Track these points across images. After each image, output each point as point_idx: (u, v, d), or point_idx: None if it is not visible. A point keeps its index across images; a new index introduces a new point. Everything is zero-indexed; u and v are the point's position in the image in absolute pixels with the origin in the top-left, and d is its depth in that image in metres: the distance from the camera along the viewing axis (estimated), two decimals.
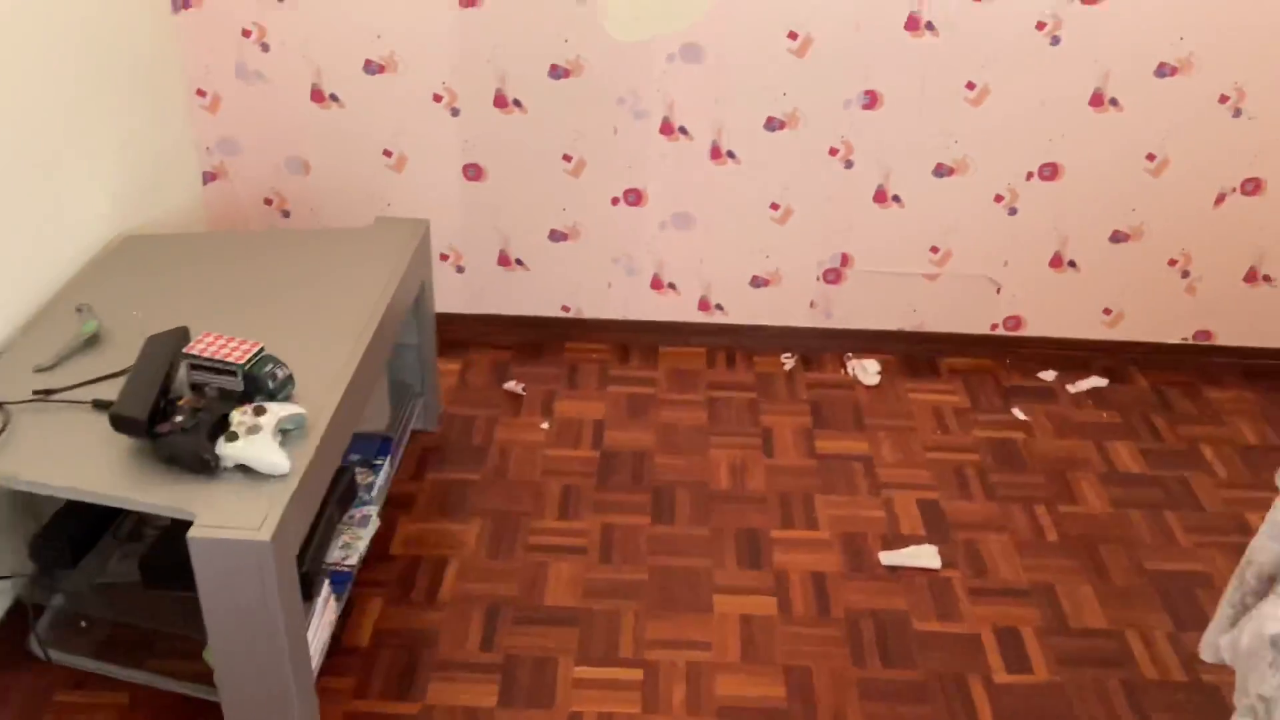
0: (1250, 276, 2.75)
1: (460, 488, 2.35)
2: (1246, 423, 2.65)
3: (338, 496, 1.92)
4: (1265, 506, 2.34)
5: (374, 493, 2.13)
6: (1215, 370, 2.83)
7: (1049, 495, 2.38)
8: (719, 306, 2.85)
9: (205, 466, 1.52)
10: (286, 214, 2.75)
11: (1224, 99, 2.52)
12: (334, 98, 2.59)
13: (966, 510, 2.33)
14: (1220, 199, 2.65)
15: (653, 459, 2.45)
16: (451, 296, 2.84)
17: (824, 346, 2.87)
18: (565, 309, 2.87)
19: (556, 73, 2.54)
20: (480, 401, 2.64)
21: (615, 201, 2.71)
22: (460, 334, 2.85)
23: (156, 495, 1.52)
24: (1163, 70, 2.49)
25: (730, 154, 2.63)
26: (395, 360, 2.39)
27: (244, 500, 1.51)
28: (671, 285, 2.82)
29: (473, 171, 2.67)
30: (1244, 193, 2.64)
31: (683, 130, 2.61)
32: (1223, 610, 1.75)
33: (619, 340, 2.89)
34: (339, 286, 2.07)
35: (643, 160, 2.65)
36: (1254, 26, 2.43)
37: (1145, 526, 2.30)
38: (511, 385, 2.70)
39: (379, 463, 2.19)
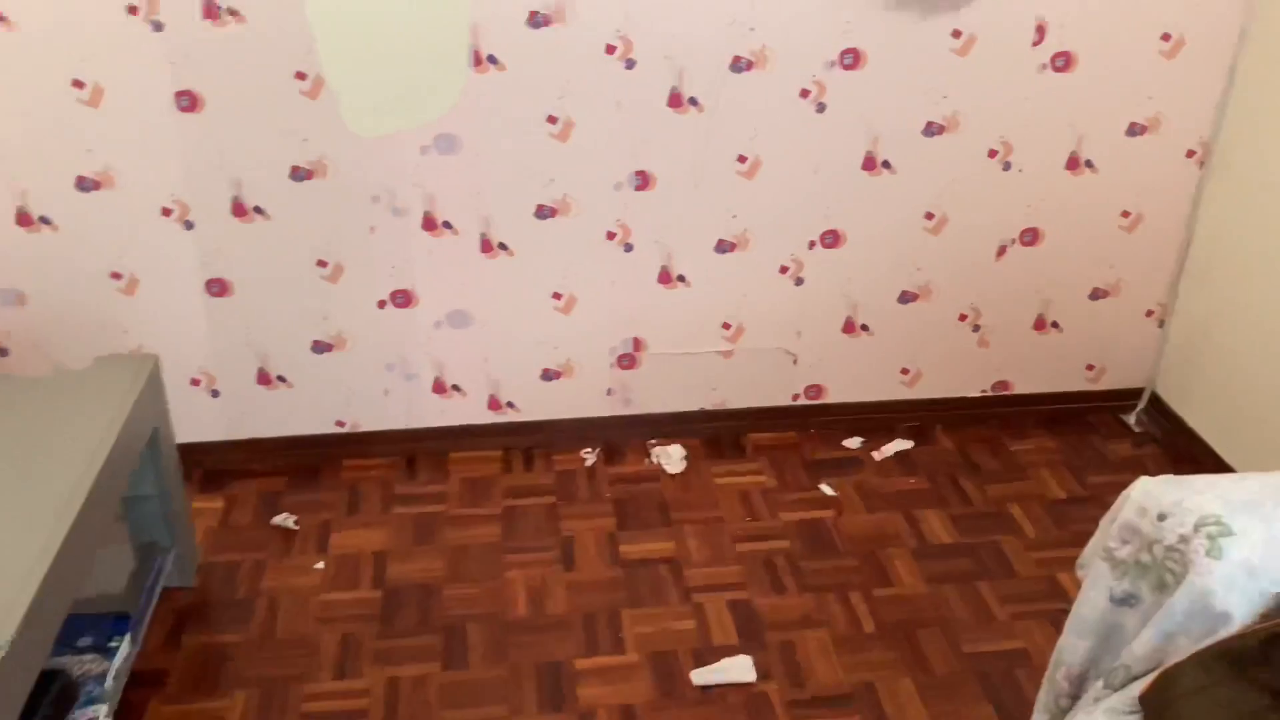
0: (1039, 324, 2.74)
1: (221, 654, 2.07)
2: (1050, 473, 2.62)
3: (44, 711, 1.62)
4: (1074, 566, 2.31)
5: (108, 682, 1.83)
6: (1015, 420, 2.82)
7: (863, 579, 2.28)
8: (510, 404, 2.66)
9: None
10: (4, 352, 2.41)
11: (993, 153, 2.51)
12: (45, 220, 2.28)
13: (780, 608, 2.20)
14: (1002, 251, 2.63)
15: (442, 591, 2.23)
16: (207, 425, 2.55)
17: (626, 435, 2.72)
18: (340, 424, 2.62)
19: (299, 174, 2.31)
20: (245, 543, 2.36)
21: (382, 305, 2.48)
22: (221, 465, 2.56)
23: None
24: (930, 129, 2.46)
25: (502, 246, 2.46)
26: (134, 515, 2.10)
27: None
28: (456, 387, 2.61)
29: (216, 287, 2.40)
30: (1023, 243, 2.63)
31: (447, 225, 2.42)
32: (1038, 716, 1.66)
33: (404, 452, 2.65)
34: (39, 449, 1.77)
35: (407, 259, 2.44)
36: (1013, 83, 2.42)
37: (961, 602, 2.22)
38: (282, 519, 2.43)
39: (115, 644, 1.89)
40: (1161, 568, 1.43)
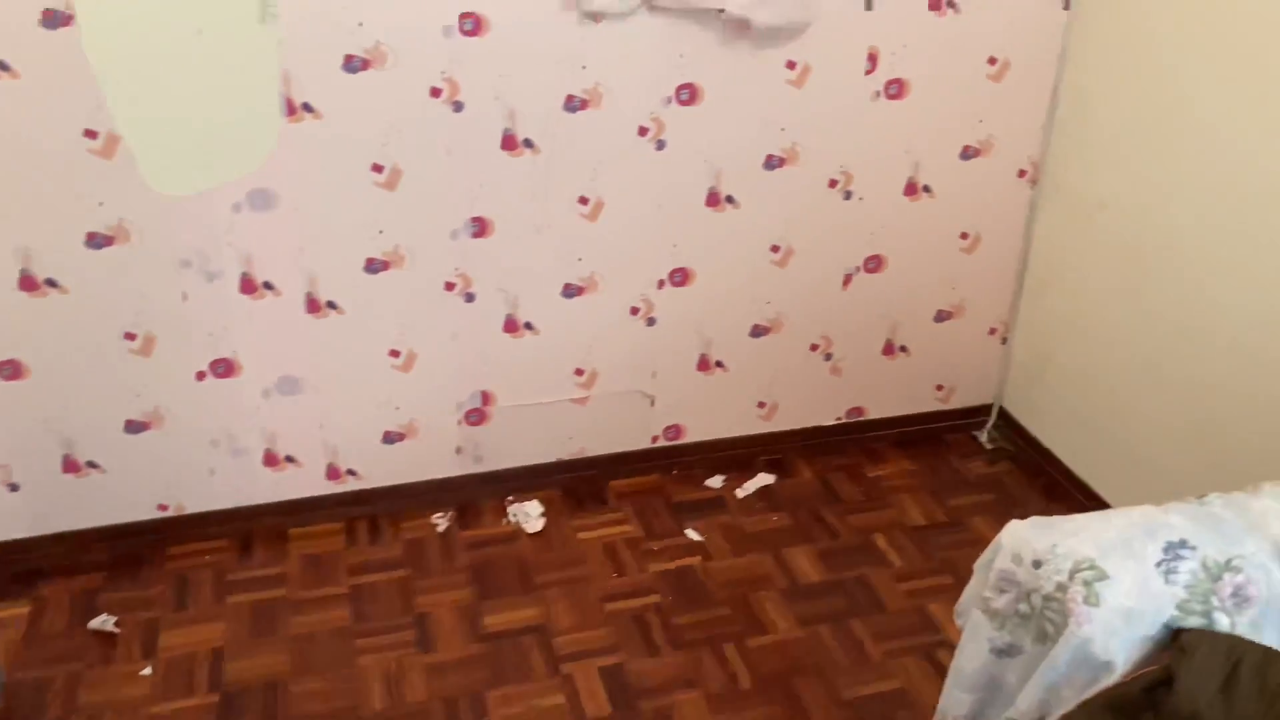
0: (888, 349, 2.74)
1: None
2: (910, 498, 2.62)
3: None
4: (942, 594, 2.30)
5: None
6: (872, 445, 2.81)
7: (736, 629, 2.20)
8: (351, 472, 2.48)
9: None
10: None
11: (834, 183, 2.49)
12: None
13: (653, 670, 2.10)
14: (848, 279, 2.62)
15: (288, 688, 2.04)
16: (8, 521, 2.28)
17: (480, 495, 2.57)
18: (162, 508, 2.38)
19: (96, 241, 2.09)
20: (58, 654, 2.11)
21: (201, 376, 2.27)
22: (26, 565, 2.30)
23: None
24: (771, 162, 2.42)
25: (331, 304, 2.28)
26: None
27: None
28: (290, 458, 2.42)
29: (9, 370, 2.15)
30: (868, 270, 2.62)
31: (268, 286, 2.23)
32: None
33: (236, 532, 2.44)
34: None
35: (226, 326, 2.24)
36: (849, 112, 2.41)
37: (835, 644, 2.17)
38: (100, 622, 2.18)
39: None
40: (1041, 617, 1.40)
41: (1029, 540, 1.44)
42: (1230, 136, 2.06)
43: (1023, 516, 1.49)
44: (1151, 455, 2.35)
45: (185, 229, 2.13)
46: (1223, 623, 1.36)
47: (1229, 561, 1.38)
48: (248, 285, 2.22)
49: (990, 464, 2.76)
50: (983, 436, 2.86)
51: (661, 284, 2.49)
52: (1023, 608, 1.43)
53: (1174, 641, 1.34)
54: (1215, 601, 1.36)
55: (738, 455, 2.73)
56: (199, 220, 2.13)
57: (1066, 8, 2.43)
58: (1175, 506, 1.45)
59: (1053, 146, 2.56)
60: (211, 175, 2.09)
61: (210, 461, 2.36)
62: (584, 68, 2.21)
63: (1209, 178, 2.12)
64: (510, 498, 2.58)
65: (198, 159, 2.07)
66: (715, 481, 2.66)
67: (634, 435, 2.65)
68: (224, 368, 2.28)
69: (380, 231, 2.25)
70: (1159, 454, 2.32)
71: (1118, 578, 1.36)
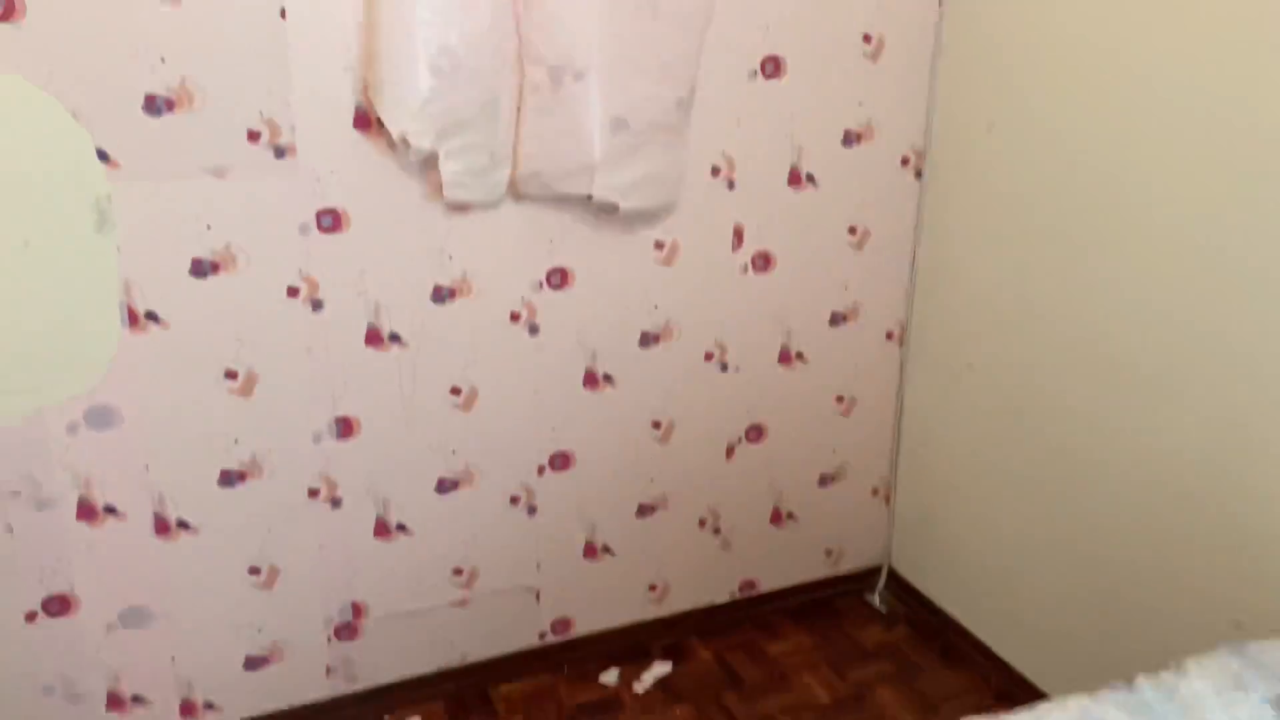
0: (775, 517, 2.69)
1: None
2: (812, 676, 2.52)
3: None
4: None
5: None
6: (768, 619, 2.72)
7: None
8: (209, 705, 2.23)
9: None
10: None
11: (709, 356, 2.46)
12: None
13: None
14: (730, 451, 2.57)
15: None
16: None
17: (356, 716, 2.35)
18: None
19: None
20: None
21: (32, 617, 2.02)
22: None
23: None
24: (646, 339, 2.38)
25: (182, 524, 2.08)
26: None
27: None
28: (137, 698, 2.15)
29: None
30: (750, 440, 2.58)
31: (110, 510, 2.02)
32: None
33: None
34: None
35: (61, 558, 2.00)
36: (719, 285, 2.41)
37: None
38: None
39: None
40: None
41: None
42: (1085, 299, 2.13)
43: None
44: (1043, 611, 2.33)
45: (13, 455, 1.91)
46: None
47: None
48: (86, 511, 2.00)
49: (886, 629, 2.70)
50: (875, 599, 2.81)
51: (541, 470, 2.38)
52: None
53: None
54: None
55: (631, 644, 2.59)
56: (28, 446, 1.92)
57: (919, 176, 2.52)
58: (1108, 697, 1.40)
59: (916, 310, 2.61)
60: (41, 396, 1.90)
61: (43, 713, 2.08)
62: (450, 258, 2.14)
63: (1069, 338, 2.18)
64: (388, 717, 2.36)
65: (24, 381, 1.87)
66: (610, 676, 2.50)
67: (520, 634, 2.49)
68: (59, 605, 2.03)
69: (235, 441, 2.08)
70: (1050, 610, 2.31)
71: None
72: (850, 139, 2.43)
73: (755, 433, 2.58)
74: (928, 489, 2.68)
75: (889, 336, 2.65)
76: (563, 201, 2.18)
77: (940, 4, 2.41)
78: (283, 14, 1.88)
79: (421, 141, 1.96)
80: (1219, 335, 1.88)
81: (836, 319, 2.57)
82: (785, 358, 2.55)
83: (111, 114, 1.80)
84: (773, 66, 2.29)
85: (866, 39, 2.36)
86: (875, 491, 2.79)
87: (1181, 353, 1.95)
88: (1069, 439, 2.22)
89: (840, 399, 2.65)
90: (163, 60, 1.82)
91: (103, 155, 1.82)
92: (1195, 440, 1.94)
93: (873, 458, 2.75)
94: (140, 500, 2.03)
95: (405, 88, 1.92)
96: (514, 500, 2.38)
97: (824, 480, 2.71)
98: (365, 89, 1.95)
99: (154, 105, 1.83)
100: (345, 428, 2.16)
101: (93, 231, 1.85)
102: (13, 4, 1.70)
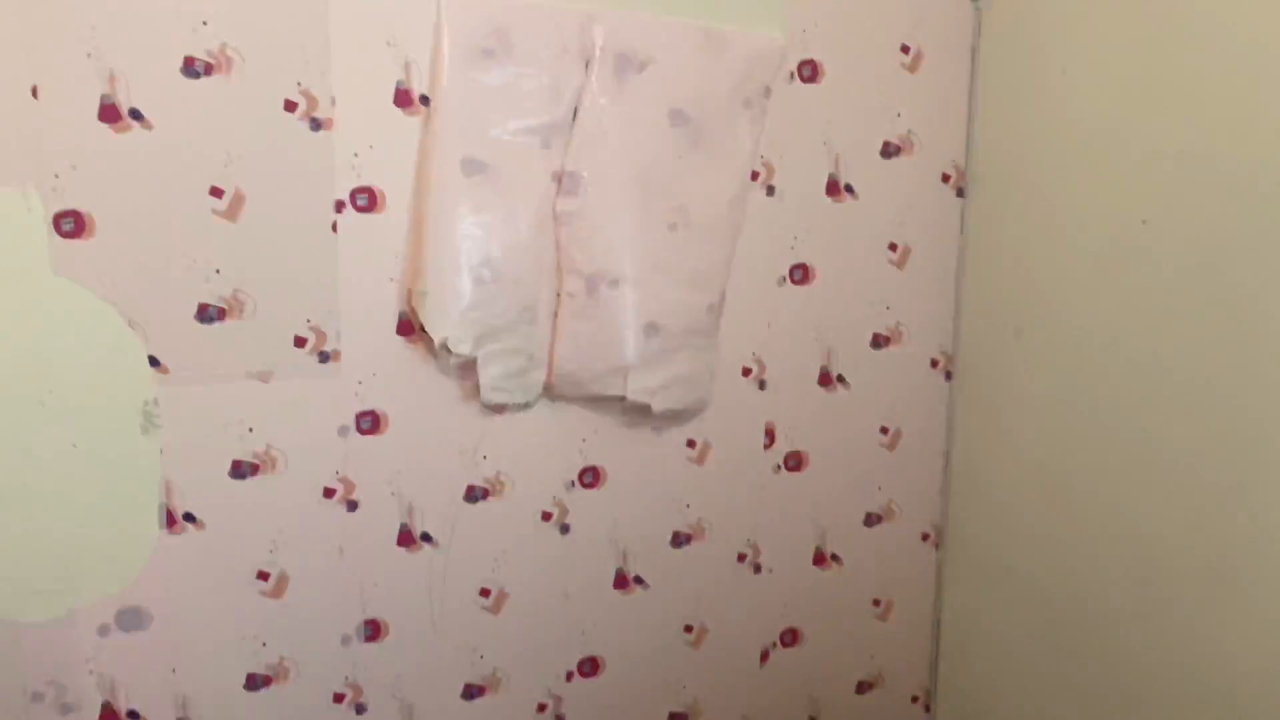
0: None
1: None
2: None
3: None
4: None
5: None
6: None
7: None
8: None
9: None
10: None
11: (742, 557, 2.44)
12: None
13: None
14: (765, 655, 2.51)
15: None
16: None
17: None
18: None
19: None
20: None
21: None
22: None
23: None
24: (679, 539, 2.36)
25: None
26: None
27: None
28: None
29: None
30: (784, 644, 2.52)
31: (133, 715, 1.98)
32: None
33: None
34: None
35: None
36: (751, 485, 2.40)
37: None
38: None
39: None
40: None
41: None
42: (1113, 495, 2.11)
43: None
44: None
45: (41, 658, 1.89)
46: None
47: None
48: (109, 717, 1.96)
49: None
50: None
51: (570, 676, 2.32)
52: None
53: None
54: None
55: None
56: (58, 646, 1.90)
57: (948, 379, 2.55)
58: None
59: (952, 510, 2.58)
60: (74, 596, 1.90)
61: None
62: (485, 457, 2.16)
63: (1109, 535, 2.14)
64: None
65: (58, 580, 1.88)
66: None
67: None
68: None
69: (263, 644, 2.05)
70: None
71: None
72: (880, 341, 2.47)
73: (790, 637, 2.52)
74: (971, 698, 2.58)
75: (925, 538, 2.61)
76: (596, 401, 2.22)
77: (961, 217, 2.49)
78: (334, 228, 1.97)
79: (461, 347, 2.02)
80: (1268, 534, 1.84)
81: (871, 519, 2.55)
82: (820, 559, 2.52)
83: (166, 323, 1.87)
84: (801, 273, 2.36)
85: (893, 247, 2.44)
86: (915, 699, 2.69)
87: (1229, 553, 1.91)
88: (1107, 645, 2.15)
89: (877, 602, 2.60)
90: (218, 272, 1.90)
91: (154, 361, 1.88)
92: (1248, 645, 1.88)
93: (912, 664, 2.66)
94: (164, 705, 2.00)
95: (448, 296, 2.00)
96: (541, 707, 2.31)
97: (862, 687, 2.63)
98: (409, 297, 2.02)
99: (206, 314, 1.91)
100: (374, 630, 2.14)
101: (138, 434, 1.89)
102: (82, 222, 1.80)
